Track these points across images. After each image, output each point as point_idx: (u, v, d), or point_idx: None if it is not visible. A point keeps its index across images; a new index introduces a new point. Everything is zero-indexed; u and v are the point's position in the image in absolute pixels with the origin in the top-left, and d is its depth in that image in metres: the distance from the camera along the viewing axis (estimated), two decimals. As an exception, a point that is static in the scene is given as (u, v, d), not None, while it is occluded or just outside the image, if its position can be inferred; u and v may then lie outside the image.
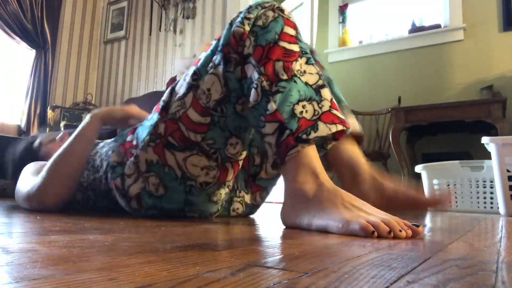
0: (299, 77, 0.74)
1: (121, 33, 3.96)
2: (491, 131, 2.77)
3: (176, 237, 0.51)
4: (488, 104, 2.40)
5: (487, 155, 2.72)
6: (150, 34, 3.73)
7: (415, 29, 3.25)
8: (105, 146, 1.03)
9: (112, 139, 1.06)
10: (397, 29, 3.43)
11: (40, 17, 3.62)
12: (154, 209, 0.89)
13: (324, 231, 0.64)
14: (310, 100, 0.73)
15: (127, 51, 3.92)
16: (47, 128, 3.53)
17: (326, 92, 0.75)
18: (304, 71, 0.75)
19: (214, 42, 0.83)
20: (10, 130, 3.48)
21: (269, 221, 0.93)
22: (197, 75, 0.82)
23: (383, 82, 3.35)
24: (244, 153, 0.89)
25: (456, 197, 2.27)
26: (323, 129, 0.71)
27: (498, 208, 2.09)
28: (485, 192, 2.18)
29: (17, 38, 3.49)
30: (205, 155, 0.83)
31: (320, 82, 0.76)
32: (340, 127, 0.72)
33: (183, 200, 0.87)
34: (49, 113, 3.55)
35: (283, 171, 0.74)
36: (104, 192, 0.98)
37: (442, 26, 3.17)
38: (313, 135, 0.70)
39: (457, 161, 2.25)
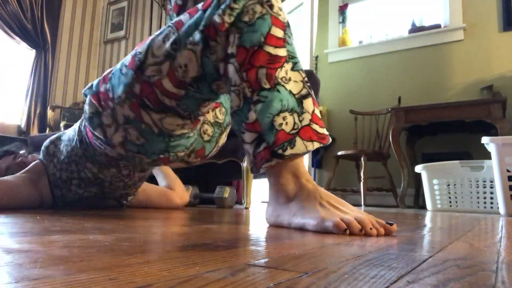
0: (283, 85, 0.72)
1: (121, 33, 3.96)
2: (491, 131, 2.77)
3: (176, 237, 0.51)
4: (488, 104, 2.40)
5: (487, 155, 2.72)
6: (150, 34, 3.73)
7: (415, 29, 3.25)
8: (70, 129, 1.12)
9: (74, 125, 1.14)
10: (397, 29, 3.43)
11: (40, 17, 3.62)
12: (139, 154, 0.93)
13: (303, 229, 0.68)
14: (291, 111, 0.72)
15: (127, 51, 3.92)
16: (47, 129, 3.53)
17: (308, 103, 0.74)
18: (289, 79, 0.73)
19: (199, 11, 0.77)
20: (10, 130, 3.48)
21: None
22: (177, 45, 0.78)
23: (383, 82, 3.35)
24: (227, 118, 0.95)
25: (456, 197, 2.27)
26: (300, 147, 0.71)
27: (498, 208, 2.09)
28: (485, 192, 2.18)
29: (17, 38, 3.49)
30: (179, 116, 0.86)
31: (304, 91, 0.74)
32: (316, 145, 0.73)
33: (164, 145, 0.91)
34: (49, 113, 3.55)
35: (267, 174, 0.75)
36: (85, 157, 1.05)
37: (442, 26, 3.17)
38: (289, 151, 0.70)
39: (457, 161, 2.25)
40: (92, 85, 0.94)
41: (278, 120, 0.70)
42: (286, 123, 0.71)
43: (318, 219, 0.65)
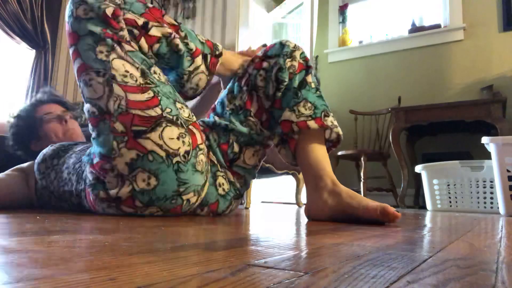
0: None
1: (121, 33, 3.96)
2: (491, 131, 2.77)
3: (176, 237, 0.51)
4: (488, 104, 2.40)
5: (487, 155, 2.72)
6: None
7: (415, 29, 3.25)
8: (72, 157, 1.03)
9: (79, 148, 1.06)
10: (397, 29, 3.43)
11: (40, 17, 3.62)
12: (150, 205, 0.87)
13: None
14: None
15: (127, 51, 3.92)
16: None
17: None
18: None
19: (81, 41, 0.85)
20: (10, 130, 3.48)
21: (269, 221, 0.93)
22: (102, 71, 0.83)
23: (383, 82, 3.35)
24: (194, 116, 0.96)
25: (456, 197, 2.27)
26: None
27: (498, 208, 2.09)
28: (485, 192, 2.18)
29: (17, 38, 3.49)
30: (173, 124, 0.86)
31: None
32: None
33: (175, 181, 0.86)
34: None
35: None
36: (78, 204, 0.99)
37: (442, 26, 3.17)
38: None
39: (457, 161, 2.25)
40: (89, 153, 0.92)
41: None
42: None
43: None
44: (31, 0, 3.55)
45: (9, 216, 0.77)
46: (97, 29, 0.84)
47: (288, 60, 1.01)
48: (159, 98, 0.85)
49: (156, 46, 0.92)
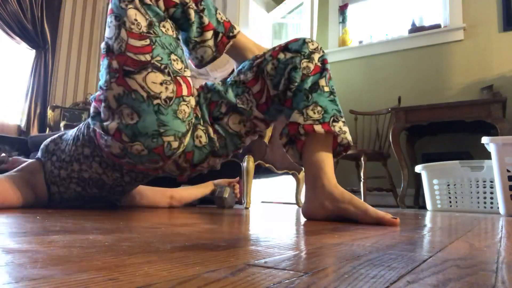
0: None
1: (121, 33, 3.96)
2: (491, 131, 2.77)
3: (176, 237, 0.51)
4: (488, 104, 2.40)
5: (487, 155, 2.72)
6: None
7: (415, 29, 3.25)
8: (76, 127, 1.18)
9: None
10: (397, 29, 3.43)
11: (40, 17, 3.62)
12: (134, 140, 0.96)
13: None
14: None
15: (127, 51, 3.92)
16: (47, 129, 3.53)
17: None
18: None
19: None
20: (10, 130, 3.48)
21: (268, 221, 0.93)
22: (119, 16, 0.97)
23: (383, 82, 3.35)
24: (188, 71, 1.04)
25: (456, 197, 2.27)
26: None
27: (498, 208, 2.09)
28: (485, 192, 2.18)
29: (17, 38, 3.49)
30: (159, 70, 0.96)
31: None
32: None
33: (155, 121, 0.96)
34: (49, 113, 3.55)
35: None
36: (92, 157, 1.08)
37: (442, 26, 3.17)
38: None
39: (457, 161, 2.25)
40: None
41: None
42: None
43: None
44: (31, 0, 3.55)
45: (9, 216, 0.77)
46: None
47: (304, 60, 1.02)
48: (153, 47, 0.97)
49: (172, 10, 1.03)
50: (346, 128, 1.02)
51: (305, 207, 1.02)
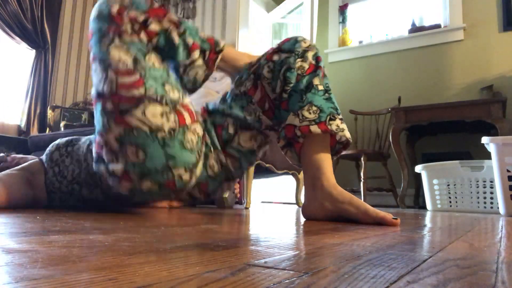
0: None
1: (121, 33, 3.96)
2: (491, 131, 2.77)
3: (176, 237, 0.51)
4: (488, 104, 2.40)
5: (487, 155, 2.72)
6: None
7: (415, 29, 3.25)
8: (87, 141, 1.14)
9: (92, 136, 1.17)
10: (397, 29, 3.43)
11: (40, 17, 3.62)
12: (143, 178, 0.94)
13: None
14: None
15: (127, 51, 3.92)
16: (47, 129, 3.53)
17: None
18: None
19: (93, 37, 0.98)
20: (10, 130, 3.48)
21: (268, 221, 0.93)
22: (102, 60, 0.95)
23: (383, 82, 3.35)
24: (187, 98, 1.02)
25: (456, 197, 2.27)
26: None
27: (498, 208, 2.09)
28: (485, 192, 2.18)
29: (17, 38, 3.49)
30: (156, 102, 0.94)
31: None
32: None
33: (163, 156, 0.93)
34: (49, 113, 3.55)
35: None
36: (88, 183, 1.07)
37: (442, 26, 3.17)
38: None
39: (457, 161, 2.25)
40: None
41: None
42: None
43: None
44: (31, 0, 3.55)
45: (9, 216, 0.77)
46: (104, 26, 0.97)
47: (298, 60, 1.01)
48: (144, 80, 0.94)
49: (155, 39, 1.00)
50: (343, 126, 1.01)
51: (305, 207, 1.02)
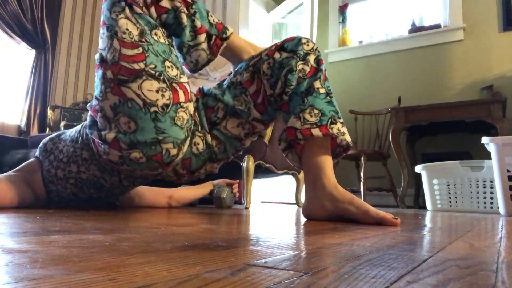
0: None
1: (121, 33, 3.96)
2: (491, 131, 2.77)
3: (176, 237, 0.51)
4: (488, 104, 2.40)
5: (487, 155, 2.72)
6: (150, 34, 3.72)
7: (415, 29, 3.25)
8: (78, 126, 1.16)
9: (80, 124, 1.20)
10: (397, 29, 3.43)
11: (40, 17, 3.62)
12: (132, 148, 0.96)
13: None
14: None
15: (127, 51, 3.91)
16: (47, 129, 3.53)
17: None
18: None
19: (106, 1, 1.00)
20: (10, 130, 3.48)
21: (268, 221, 0.93)
22: (110, 27, 0.97)
23: (383, 82, 3.35)
24: (184, 77, 1.03)
25: (456, 197, 2.27)
26: None
27: (498, 208, 2.09)
28: (485, 192, 2.18)
29: (17, 38, 3.49)
30: (154, 78, 0.96)
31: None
32: None
33: (153, 128, 0.95)
34: (49, 113, 3.55)
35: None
36: (85, 159, 1.08)
37: (442, 26, 3.17)
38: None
39: (457, 161, 2.25)
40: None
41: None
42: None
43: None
44: (31, 0, 3.55)
45: (9, 216, 0.77)
46: None
47: (300, 62, 1.00)
48: (146, 55, 0.96)
49: (164, 16, 1.02)
50: (344, 129, 1.00)
51: (305, 207, 1.02)
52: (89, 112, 1.03)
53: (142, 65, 0.95)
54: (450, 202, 2.28)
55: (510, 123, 2.71)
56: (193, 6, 1.05)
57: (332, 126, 0.98)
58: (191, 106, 1.03)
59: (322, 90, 1.01)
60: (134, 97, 0.94)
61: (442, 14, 3.23)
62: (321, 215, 0.97)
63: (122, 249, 0.38)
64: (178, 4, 1.03)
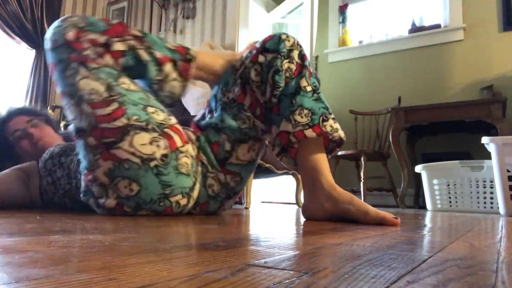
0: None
1: (121, 33, 3.95)
2: (491, 131, 2.77)
3: (176, 237, 0.51)
4: (488, 104, 2.40)
5: (487, 155, 2.72)
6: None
7: (415, 29, 3.25)
8: (77, 154, 1.06)
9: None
10: (397, 29, 3.43)
11: (40, 17, 3.62)
12: (138, 209, 0.90)
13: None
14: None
15: (127, 51, 3.92)
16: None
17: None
18: None
19: (55, 71, 0.90)
20: (10, 130, 3.47)
21: (268, 221, 0.93)
22: (73, 94, 0.87)
23: (383, 82, 3.35)
24: (173, 118, 0.97)
25: (456, 197, 2.27)
26: None
27: (498, 208, 2.09)
28: (485, 192, 2.18)
29: (17, 38, 3.49)
30: (142, 130, 0.88)
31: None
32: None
33: (158, 184, 0.89)
34: (49, 113, 3.55)
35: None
36: (80, 201, 1.03)
37: (442, 26, 3.17)
38: None
39: (457, 161, 2.25)
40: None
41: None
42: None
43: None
44: (31, 0, 3.55)
45: (9, 216, 0.77)
46: (64, 56, 0.88)
47: (285, 61, 0.97)
48: (124, 107, 0.88)
49: (122, 60, 0.93)
50: (337, 125, 0.98)
51: (305, 207, 1.01)
52: (82, 177, 0.94)
53: (124, 120, 0.87)
54: (450, 202, 2.28)
55: (510, 123, 2.71)
56: (145, 39, 0.96)
57: (324, 124, 0.96)
58: (190, 148, 0.96)
59: (308, 88, 0.97)
60: (129, 156, 0.86)
61: (442, 14, 3.23)
62: (321, 215, 0.97)
63: (122, 249, 0.38)
64: (132, 43, 0.94)
